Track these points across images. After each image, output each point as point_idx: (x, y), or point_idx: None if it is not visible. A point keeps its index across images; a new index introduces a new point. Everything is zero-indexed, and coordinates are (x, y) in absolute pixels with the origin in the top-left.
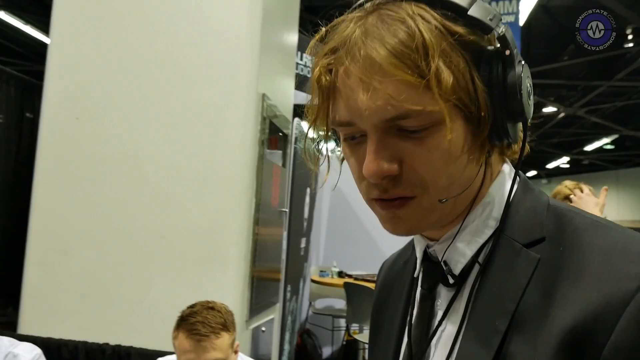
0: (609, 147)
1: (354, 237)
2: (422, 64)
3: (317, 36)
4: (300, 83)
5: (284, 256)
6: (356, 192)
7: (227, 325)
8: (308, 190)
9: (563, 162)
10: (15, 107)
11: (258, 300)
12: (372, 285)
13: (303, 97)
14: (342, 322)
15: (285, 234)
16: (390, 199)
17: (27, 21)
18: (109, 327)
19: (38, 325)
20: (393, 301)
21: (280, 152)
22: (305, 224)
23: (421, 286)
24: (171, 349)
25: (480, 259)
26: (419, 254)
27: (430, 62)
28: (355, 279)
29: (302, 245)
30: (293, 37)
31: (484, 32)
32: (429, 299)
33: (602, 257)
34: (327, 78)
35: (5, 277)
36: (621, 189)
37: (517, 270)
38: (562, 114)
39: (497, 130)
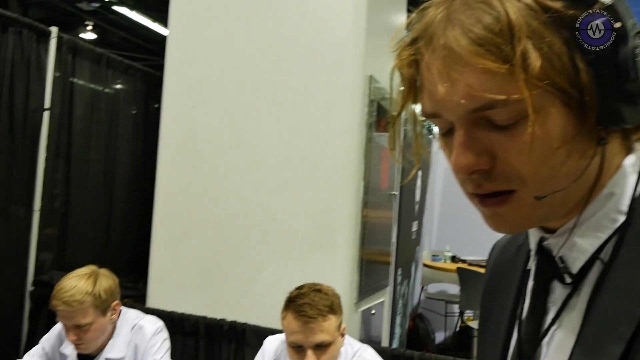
0: None
1: (468, 220)
2: (507, 48)
3: (407, 22)
4: None
5: (394, 239)
6: None
7: (334, 307)
8: (420, 173)
9: None
10: (143, 99)
11: (367, 283)
12: None
13: None
14: (455, 308)
15: (395, 217)
16: (486, 194)
17: (155, 18)
18: (226, 304)
19: (163, 300)
20: (504, 288)
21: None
22: (416, 207)
23: (534, 280)
24: (281, 328)
25: (603, 255)
26: (533, 246)
27: (516, 45)
28: (469, 264)
29: (414, 229)
30: (401, 17)
31: (588, 4)
32: (541, 294)
33: None
34: (410, 70)
35: (138, 256)
36: None
37: None
38: None
39: (608, 115)
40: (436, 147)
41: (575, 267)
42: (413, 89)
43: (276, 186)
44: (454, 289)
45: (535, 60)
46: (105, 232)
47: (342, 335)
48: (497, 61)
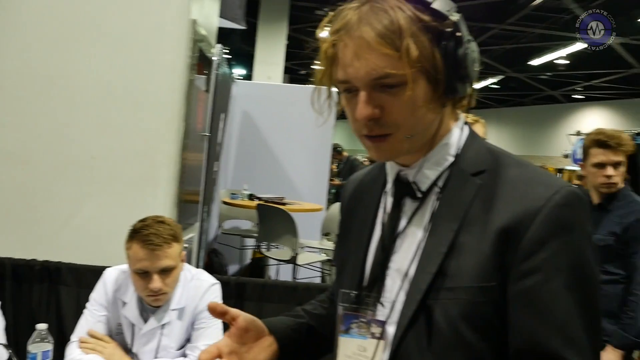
0: (494, 86)
1: (263, 162)
2: (398, 42)
3: (326, 19)
4: (222, 8)
5: (203, 179)
6: (266, 118)
7: (176, 236)
8: (222, 115)
9: None
10: None
11: (183, 220)
12: (283, 207)
13: (224, 23)
14: (249, 242)
15: (205, 158)
16: (374, 135)
17: None
18: (37, 244)
19: None
20: (364, 207)
21: (204, 77)
22: (218, 148)
23: (393, 197)
24: (102, 264)
25: (439, 182)
26: (391, 176)
27: (403, 40)
28: (266, 201)
29: (215, 168)
30: None
31: (443, 19)
32: (397, 207)
33: (523, 185)
34: (332, 50)
35: None
36: (502, 126)
37: (466, 191)
38: None
39: (449, 88)
40: (234, 91)
41: (424, 187)
42: (332, 62)
43: (96, 124)
44: (247, 224)
45: (414, 51)
46: None
47: (183, 261)
48: (391, 49)
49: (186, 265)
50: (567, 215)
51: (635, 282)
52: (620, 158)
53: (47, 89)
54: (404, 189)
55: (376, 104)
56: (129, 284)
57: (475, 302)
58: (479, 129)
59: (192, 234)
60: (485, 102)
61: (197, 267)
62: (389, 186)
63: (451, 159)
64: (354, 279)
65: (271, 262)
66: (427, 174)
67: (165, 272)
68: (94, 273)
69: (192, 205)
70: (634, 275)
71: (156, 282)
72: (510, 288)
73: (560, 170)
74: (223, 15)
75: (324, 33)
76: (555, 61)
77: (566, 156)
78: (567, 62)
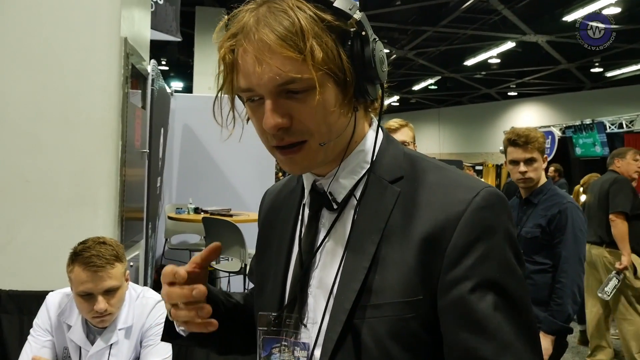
0: (433, 87)
1: (207, 174)
2: (301, 44)
3: (221, 23)
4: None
5: (145, 195)
6: (208, 130)
7: (119, 256)
8: (162, 130)
9: (394, 100)
10: None
11: (127, 238)
12: (229, 219)
13: (158, 36)
14: None
15: (145, 174)
16: (286, 145)
17: None
18: None
19: None
20: (282, 221)
21: (139, 92)
22: (160, 163)
23: (309, 209)
24: (45, 288)
25: (357, 192)
26: (307, 187)
27: (306, 42)
28: (212, 214)
29: (158, 184)
30: None
31: (346, 18)
32: (314, 219)
33: (443, 189)
34: (230, 57)
35: None
36: (442, 125)
37: (385, 200)
38: (394, 56)
39: (359, 91)
40: (173, 104)
41: (339, 198)
42: (231, 69)
43: (28, 146)
44: (195, 238)
45: (319, 53)
46: None
47: (127, 280)
48: (294, 52)
49: (131, 284)
50: (489, 217)
51: (560, 270)
52: (530, 154)
53: None
54: (321, 199)
55: (284, 112)
56: (72, 306)
57: (403, 318)
58: (407, 133)
59: (137, 251)
60: (425, 103)
61: (145, 284)
62: (305, 198)
63: (367, 166)
64: (274, 298)
65: (222, 274)
66: (343, 183)
67: (110, 292)
68: (36, 298)
69: (136, 222)
70: (560, 264)
71: (101, 304)
72: (440, 300)
73: (499, 166)
74: (157, 28)
75: (221, 38)
76: (488, 60)
77: (502, 152)
78: (499, 60)
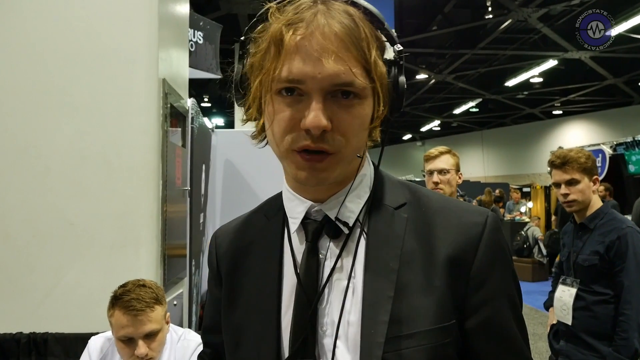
0: (474, 110)
1: (250, 208)
2: (366, 50)
3: (274, 4)
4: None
5: (187, 232)
6: (249, 164)
7: (159, 299)
8: (203, 166)
9: (435, 124)
10: None
11: (170, 276)
12: None
13: (199, 74)
14: None
15: (187, 210)
16: (315, 150)
17: None
18: (22, 316)
19: None
20: (258, 260)
21: (179, 131)
22: (202, 199)
23: (307, 240)
24: (90, 331)
25: (360, 217)
26: (299, 215)
27: (371, 50)
28: None
29: (201, 220)
30: (184, 9)
31: (392, 43)
32: (314, 251)
33: (454, 213)
34: (284, 37)
35: None
36: (486, 148)
37: (395, 226)
38: (432, 80)
39: (387, 116)
40: (215, 140)
41: (350, 222)
42: (277, 54)
43: (71, 190)
44: None
45: (382, 67)
46: None
47: (167, 322)
48: (360, 57)
49: (172, 326)
50: (501, 238)
51: (623, 300)
52: (570, 176)
53: (21, 160)
54: (320, 227)
55: (328, 114)
56: (114, 351)
57: (441, 345)
58: (447, 160)
59: (181, 289)
60: (467, 126)
61: (190, 321)
62: (294, 228)
63: (369, 191)
64: (268, 348)
65: None
66: (351, 207)
67: (150, 336)
68: (82, 341)
69: (179, 259)
70: (622, 294)
71: (142, 348)
72: (469, 320)
73: (548, 187)
74: (198, 66)
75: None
76: (530, 80)
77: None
78: (541, 79)
